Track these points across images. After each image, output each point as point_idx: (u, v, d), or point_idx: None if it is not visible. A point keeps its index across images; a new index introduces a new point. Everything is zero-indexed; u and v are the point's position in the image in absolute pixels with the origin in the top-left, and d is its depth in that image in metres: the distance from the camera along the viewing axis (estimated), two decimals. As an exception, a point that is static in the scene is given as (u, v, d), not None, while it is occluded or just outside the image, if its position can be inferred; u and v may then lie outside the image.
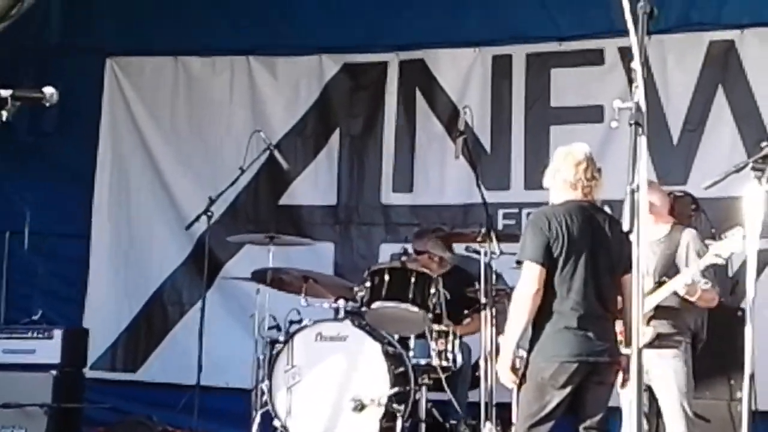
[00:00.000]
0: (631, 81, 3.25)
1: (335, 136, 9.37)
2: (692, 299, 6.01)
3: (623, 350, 5.26)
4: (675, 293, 6.02)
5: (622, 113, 3.10)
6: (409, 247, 7.81)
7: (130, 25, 9.62)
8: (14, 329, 8.45)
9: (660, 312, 6.04)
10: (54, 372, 8.11)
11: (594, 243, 5.32)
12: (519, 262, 5.37)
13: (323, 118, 9.40)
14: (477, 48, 8.98)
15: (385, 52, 9.22)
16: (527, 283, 5.24)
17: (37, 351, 8.21)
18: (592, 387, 5.25)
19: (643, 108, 3.02)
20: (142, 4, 9.56)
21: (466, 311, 7.46)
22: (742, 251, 5.79)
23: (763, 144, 4.06)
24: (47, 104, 3.94)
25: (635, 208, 2.76)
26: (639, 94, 3.06)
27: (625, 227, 2.83)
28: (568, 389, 5.19)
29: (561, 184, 5.44)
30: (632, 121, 2.97)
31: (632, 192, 2.79)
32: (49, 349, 8.20)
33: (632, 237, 2.86)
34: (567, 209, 5.36)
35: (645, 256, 5.92)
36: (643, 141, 2.88)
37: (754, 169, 3.85)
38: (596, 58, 8.55)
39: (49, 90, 3.96)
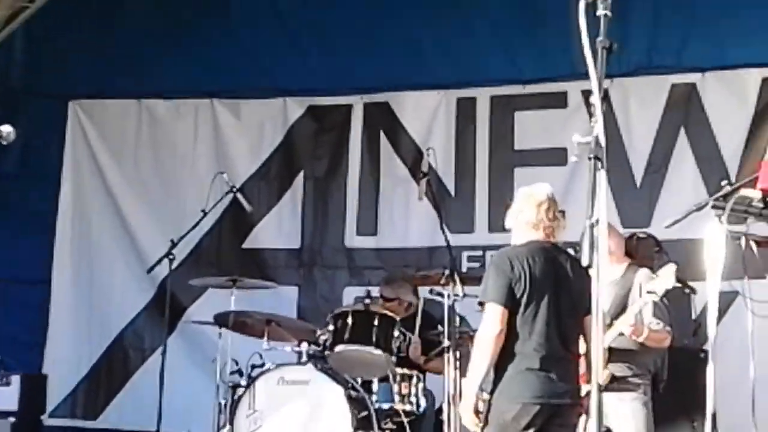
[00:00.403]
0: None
1: (299, 179, 9.34)
2: (640, 340, 5.98)
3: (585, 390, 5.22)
4: (617, 336, 5.99)
5: (582, 148, 3.08)
6: (373, 290, 7.73)
7: (94, 68, 9.57)
8: (-28, 377, 8.33)
9: (616, 354, 5.99)
10: (12, 419, 7.98)
11: (556, 284, 5.28)
12: (481, 304, 5.32)
13: (287, 160, 9.37)
14: (441, 90, 9.01)
15: (349, 94, 9.22)
16: (490, 324, 5.19)
17: (-6, 398, 8.10)
18: (554, 429, 5.19)
19: (603, 142, 3.00)
20: (106, 47, 9.52)
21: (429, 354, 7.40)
22: (673, 287, 5.83)
23: (723, 183, 4.04)
24: (4, 142, 3.87)
25: (594, 242, 2.73)
26: (598, 128, 3.05)
27: (584, 262, 2.80)
28: (530, 431, 5.14)
29: (523, 225, 5.41)
30: (591, 155, 2.95)
31: (591, 226, 2.76)
32: (6, 395, 8.11)
33: (592, 272, 2.82)
34: (529, 250, 5.32)
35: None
36: (602, 175, 2.85)
37: (714, 207, 3.83)
38: (559, 101, 8.58)
39: (6, 128, 3.91)
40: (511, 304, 5.18)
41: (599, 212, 2.75)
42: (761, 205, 3.78)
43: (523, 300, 5.20)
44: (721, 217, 3.96)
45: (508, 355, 5.20)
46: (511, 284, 5.20)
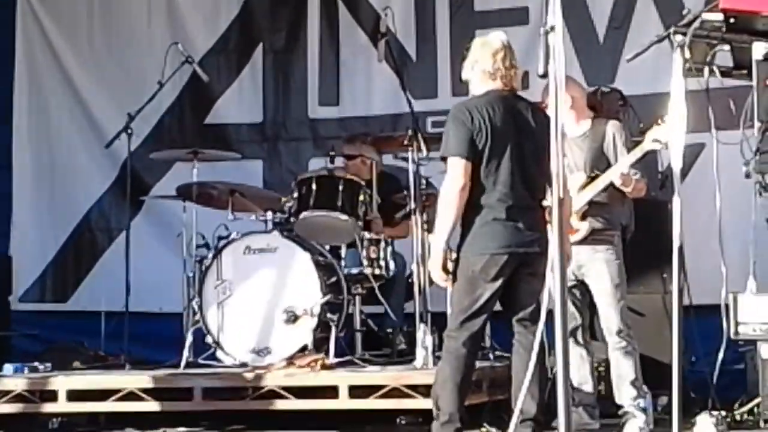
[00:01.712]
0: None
1: (258, 52, 9.17)
2: (627, 190, 5.97)
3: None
4: (606, 186, 5.96)
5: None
6: (338, 158, 7.63)
7: (40, -54, 9.32)
8: (-66, 259, 8.24)
9: (593, 208, 5.99)
10: (-23, 301, 7.93)
11: (518, 132, 5.22)
12: (444, 159, 5.25)
13: (245, 33, 9.19)
14: (398, -46, 8.80)
15: (297, -41, 9.02)
16: (454, 178, 5.13)
17: (-41, 280, 8.03)
18: (524, 278, 5.17)
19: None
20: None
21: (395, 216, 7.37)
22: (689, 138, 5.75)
23: (685, 11, 3.95)
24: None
25: (549, 50, 2.64)
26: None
27: (540, 70, 2.72)
28: (499, 282, 5.12)
29: (480, 75, 5.32)
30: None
31: (545, 33, 2.67)
32: (-30, 278, 8.03)
33: (549, 82, 2.74)
34: (488, 100, 5.24)
35: (570, 150, 5.96)
36: (554, -19, 2.76)
37: (676, 33, 3.74)
38: (520, -40, 8.42)
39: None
40: (473, 156, 5.12)
41: (553, 18, 2.66)
42: (724, 27, 3.70)
43: (486, 151, 5.13)
44: (684, 47, 3.86)
45: (474, 207, 5.16)
46: (473, 136, 5.13)
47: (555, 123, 2.66)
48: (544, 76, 2.75)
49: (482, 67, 5.29)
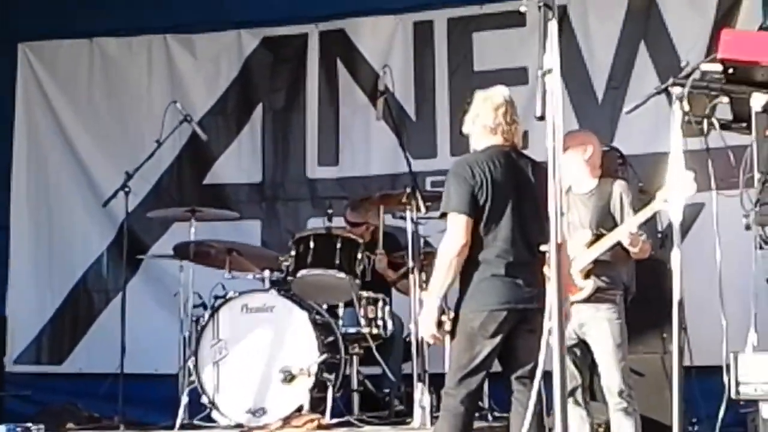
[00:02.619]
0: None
1: (258, 112, 9.20)
2: (634, 250, 5.87)
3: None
4: (612, 245, 5.90)
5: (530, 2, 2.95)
6: (336, 216, 7.59)
7: (42, 8, 9.34)
8: (-71, 321, 8.18)
9: (597, 266, 5.92)
10: (-28, 362, 7.85)
11: (518, 189, 5.17)
12: (444, 215, 5.20)
13: (244, 94, 9.23)
14: (398, 15, 8.87)
15: (304, 23, 9.06)
16: (454, 235, 5.06)
17: (-46, 342, 7.97)
18: (523, 335, 5.09)
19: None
20: (53, -15, 9.31)
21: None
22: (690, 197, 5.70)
23: (683, 64, 3.93)
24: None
25: (546, 92, 2.61)
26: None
27: (538, 112, 2.68)
28: (498, 338, 5.03)
29: (481, 129, 5.28)
30: (541, 3, 2.83)
31: (543, 75, 2.64)
32: (-34, 338, 7.96)
33: (547, 132, 2.70)
34: (489, 155, 5.20)
35: (576, 207, 5.92)
36: (553, 25, 2.73)
37: (675, 84, 3.71)
38: (518, 19, 8.29)
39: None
40: (474, 212, 5.05)
41: (551, 62, 2.63)
42: (723, 78, 3.67)
43: (486, 206, 5.07)
44: (682, 99, 3.83)
45: (472, 263, 5.08)
46: (474, 191, 5.06)
47: (552, 164, 2.62)
48: (542, 118, 2.71)
49: (483, 121, 5.26)
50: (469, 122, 5.33)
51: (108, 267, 9.16)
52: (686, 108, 3.84)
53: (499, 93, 5.35)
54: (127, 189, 7.66)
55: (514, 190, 5.15)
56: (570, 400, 5.81)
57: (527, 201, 5.15)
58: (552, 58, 2.65)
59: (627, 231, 5.81)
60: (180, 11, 9.23)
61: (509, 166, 5.19)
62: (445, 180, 5.26)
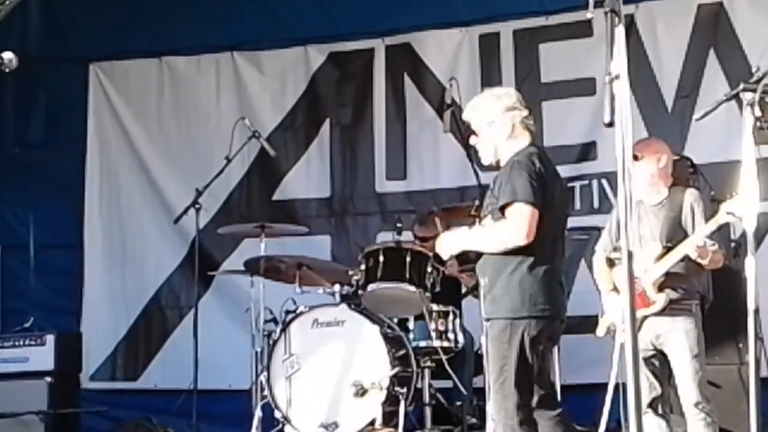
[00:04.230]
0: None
1: (325, 127, 9.24)
2: (704, 262, 5.75)
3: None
4: (682, 257, 5.82)
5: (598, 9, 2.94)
6: (404, 228, 7.59)
7: (111, 29, 9.46)
8: (6, 337, 8.30)
9: (670, 279, 5.83)
10: (48, 378, 7.96)
11: (561, 196, 5.12)
12: (503, 208, 4.91)
13: (312, 109, 9.27)
14: (463, 28, 8.85)
15: (370, 38, 9.09)
16: (520, 224, 4.78)
17: (30, 358, 8.07)
18: (550, 346, 5.07)
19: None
20: (123, 6, 9.41)
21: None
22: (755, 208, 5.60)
23: (755, 69, 3.88)
24: (7, 69, 3.77)
25: (614, 98, 2.59)
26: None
27: (606, 119, 2.66)
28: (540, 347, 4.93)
29: (519, 123, 5.07)
30: (607, 9, 2.81)
31: (610, 81, 2.62)
32: (42, 355, 8.07)
33: (616, 131, 2.67)
34: (543, 154, 5.07)
35: (647, 218, 5.86)
36: (620, 31, 2.71)
37: (745, 90, 3.66)
38: (584, 30, 8.33)
39: (7, 55, 3.81)
40: (541, 206, 4.84)
41: (618, 67, 2.61)
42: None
43: (551, 203, 4.93)
44: (754, 105, 3.78)
45: (524, 259, 4.88)
46: (543, 183, 4.88)
47: (622, 175, 2.60)
48: (610, 124, 2.69)
49: (522, 113, 5.06)
50: (505, 121, 5.07)
51: (180, 283, 9.23)
52: (758, 113, 3.78)
53: (511, 90, 5.26)
54: (197, 206, 7.76)
55: (559, 196, 5.08)
56: (650, 410, 5.76)
57: (560, 212, 5.11)
58: (619, 64, 2.63)
59: (694, 244, 5.70)
60: (247, 28, 9.31)
61: (554, 170, 5.11)
62: (510, 173, 4.98)
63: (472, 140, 5.21)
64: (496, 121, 5.10)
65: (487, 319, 5.00)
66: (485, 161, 5.24)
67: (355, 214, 9.11)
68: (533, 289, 4.88)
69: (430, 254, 7.02)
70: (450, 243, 5.13)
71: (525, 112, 5.10)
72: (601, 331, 6.13)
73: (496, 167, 5.17)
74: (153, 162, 9.49)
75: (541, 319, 4.89)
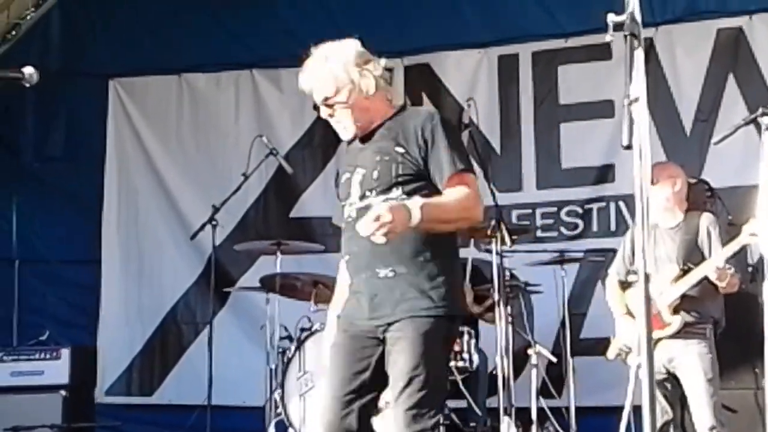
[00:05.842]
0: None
1: (343, 146, 9.19)
2: (722, 284, 5.76)
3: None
4: (699, 280, 5.81)
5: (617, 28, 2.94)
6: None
7: (132, 45, 9.54)
8: (21, 351, 8.33)
9: (685, 302, 5.84)
10: (63, 392, 7.99)
11: None
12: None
13: (330, 128, 9.15)
14: (482, 49, 8.87)
15: (389, 57, 9.02)
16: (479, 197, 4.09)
17: (45, 372, 8.10)
18: None
19: (638, 19, 2.87)
20: (143, 23, 9.50)
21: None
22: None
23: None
24: (27, 84, 3.79)
25: (632, 121, 2.60)
26: (633, 3, 2.90)
27: (624, 141, 2.66)
28: None
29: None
30: (627, 33, 2.82)
31: (629, 104, 2.62)
32: (57, 369, 8.10)
33: (634, 154, 2.67)
34: None
35: (663, 241, 5.85)
36: (639, 54, 2.72)
37: (764, 114, 3.67)
38: (603, 52, 8.33)
39: (28, 69, 3.83)
40: None
41: (637, 90, 2.62)
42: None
43: None
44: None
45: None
46: None
47: (641, 198, 2.60)
48: (629, 147, 2.69)
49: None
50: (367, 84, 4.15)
51: (197, 299, 9.24)
52: (777, 139, 3.78)
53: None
54: (214, 222, 7.76)
55: None
56: (662, 435, 5.75)
57: None
58: (638, 86, 2.63)
59: (714, 265, 5.71)
60: (266, 46, 9.32)
61: None
62: (448, 130, 4.07)
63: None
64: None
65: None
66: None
67: (371, 233, 9.08)
68: None
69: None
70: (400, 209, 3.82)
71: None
72: (611, 353, 6.13)
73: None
74: (171, 178, 9.53)
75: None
